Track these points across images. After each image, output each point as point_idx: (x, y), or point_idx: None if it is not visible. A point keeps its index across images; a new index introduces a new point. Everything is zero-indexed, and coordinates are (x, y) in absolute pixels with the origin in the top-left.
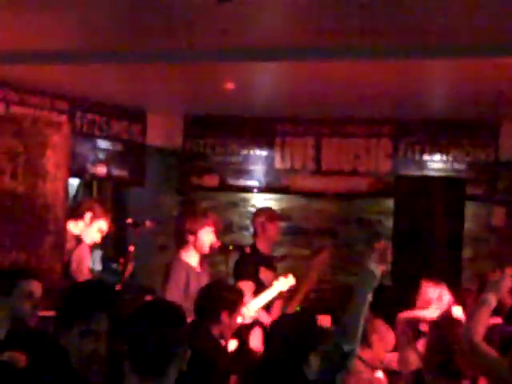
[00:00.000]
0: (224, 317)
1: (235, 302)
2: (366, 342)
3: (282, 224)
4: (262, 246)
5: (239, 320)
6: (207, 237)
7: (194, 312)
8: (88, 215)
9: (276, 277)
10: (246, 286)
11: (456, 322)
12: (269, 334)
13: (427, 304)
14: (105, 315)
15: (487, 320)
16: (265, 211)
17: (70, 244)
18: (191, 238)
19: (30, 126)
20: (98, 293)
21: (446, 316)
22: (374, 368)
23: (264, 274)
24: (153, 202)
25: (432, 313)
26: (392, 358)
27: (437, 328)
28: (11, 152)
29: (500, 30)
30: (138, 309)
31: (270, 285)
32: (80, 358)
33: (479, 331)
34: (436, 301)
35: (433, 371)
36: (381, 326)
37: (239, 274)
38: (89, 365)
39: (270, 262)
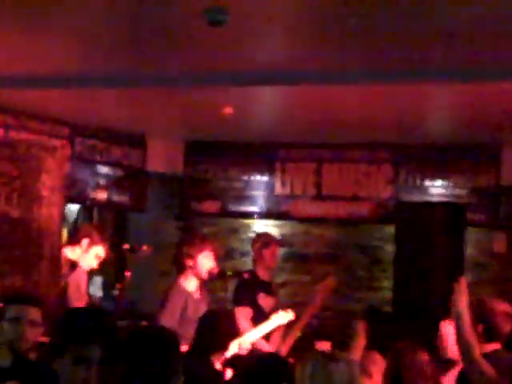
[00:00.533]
0: (226, 344)
1: (233, 328)
2: (366, 373)
3: (283, 250)
4: (261, 272)
5: (236, 350)
6: (206, 262)
7: (194, 340)
8: (85, 241)
9: (277, 306)
10: (244, 312)
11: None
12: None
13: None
14: (98, 343)
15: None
16: (261, 237)
17: (65, 269)
18: (189, 262)
19: (25, 150)
20: (92, 320)
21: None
22: None
23: (263, 300)
24: (153, 228)
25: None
26: None
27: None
28: (6, 176)
29: (501, 54)
30: (131, 335)
31: (270, 311)
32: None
33: (474, 345)
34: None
35: None
36: (377, 357)
37: (237, 300)
38: None
39: (269, 288)
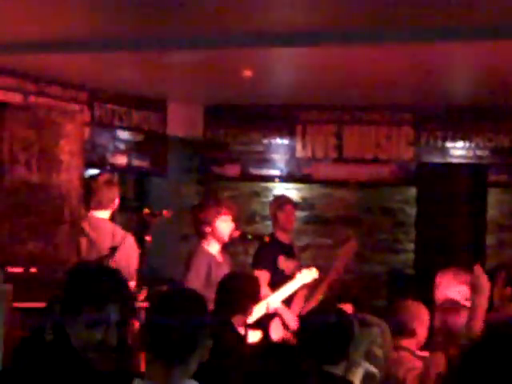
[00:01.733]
0: (248, 307)
1: (255, 291)
2: (407, 331)
3: (304, 213)
4: (280, 235)
5: (262, 311)
6: (224, 226)
7: (215, 303)
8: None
9: (299, 267)
10: (262, 276)
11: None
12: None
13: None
14: (117, 306)
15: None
16: (276, 199)
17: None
18: (207, 228)
19: (44, 115)
20: (113, 282)
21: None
22: (419, 356)
23: (284, 263)
24: (174, 192)
25: None
26: None
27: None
28: (25, 142)
29: None
30: (162, 297)
31: (291, 274)
32: (86, 345)
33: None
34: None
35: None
36: (420, 309)
37: (255, 263)
38: (95, 352)
39: (290, 251)
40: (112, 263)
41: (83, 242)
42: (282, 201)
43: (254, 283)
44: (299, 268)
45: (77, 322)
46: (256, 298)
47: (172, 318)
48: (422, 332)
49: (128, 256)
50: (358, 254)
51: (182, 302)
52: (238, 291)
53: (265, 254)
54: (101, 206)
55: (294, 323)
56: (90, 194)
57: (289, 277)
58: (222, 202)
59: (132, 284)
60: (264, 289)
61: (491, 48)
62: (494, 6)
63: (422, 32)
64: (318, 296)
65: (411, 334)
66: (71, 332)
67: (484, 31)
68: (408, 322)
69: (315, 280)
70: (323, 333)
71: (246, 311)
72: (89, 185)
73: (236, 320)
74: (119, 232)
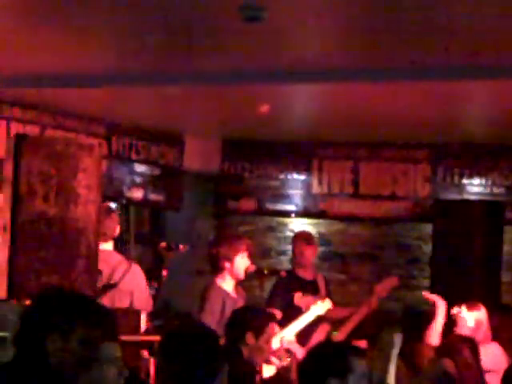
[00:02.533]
0: (249, 338)
1: (261, 323)
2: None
3: (320, 248)
4: (299, 271)
5: (276, 345)
6: (242, 262)
7: (225, 335)
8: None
9: (314, 301)
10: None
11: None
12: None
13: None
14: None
15: None
16: (298, 234)
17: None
18: (227, 264)
19: (62, 148)
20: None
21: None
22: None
23: (301, 299)
24: (189, 226)
25: None
26: None
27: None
28: (43, 175)
29: None
30: (173, 333)
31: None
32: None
33: None
34: (475, 329)
35: None
36: (430, 351)
37: (268, 301)
38: None
39: (311, 287)
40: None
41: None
42: (297, 237)
43: (260, 314)
44: (314, 300)
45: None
46: (261, 329)
47: (180, 360)
48: None
49: (137, 284)
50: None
51: (193, 339)
52: (242, 322)
53: (279, 290)
54: (104, 238)
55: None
56: None
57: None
58: (242, 237)
59: (144, 315)
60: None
61: (506, 86)
62: (507, 46)
63: (439, 69)
64: (347, 332)
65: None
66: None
67: (499, 70)
68: (417, 363)
69: (344, 316)
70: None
71: (251, 342)
72: None
73: (245, 352)
74: (124, 262)
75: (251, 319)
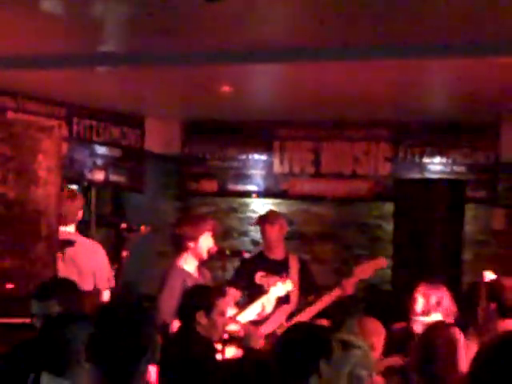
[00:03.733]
0: (200, 317)
1: (209, 300)
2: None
3: None
4: (267, 251)
5: (236, 326)
6: (206, 242)
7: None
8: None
9: (274, 281)
10: (231, 294)
11: (441, 324)
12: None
13: (425, 310)
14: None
15: None
16: (260, 215)
17: None
18: (191, 244)
19: (22, 130)
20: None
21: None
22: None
23: (263, 278)
24: (151, 208)
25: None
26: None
27: (424, 331)
28: (2, 157)
29: (500, 28)
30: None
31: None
32: None
33: None
34: (435, 306)
35: (416, 372)
36: (376, 324)
37: (229, 281)
38: None
39: (276, 267)
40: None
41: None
42: (261, 217)
43: (208, 292)
44: (274, 281)
45: None
46: (211, 307)
47: (111, 330)
48: (379, 346)
49: (98, 264)
50: (334, 269)
51: (120, 312)
52: (191, 301)
53: (242, 270)
54: (65, 221)
55: (253, 343)
56: None
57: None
58: (207, 218)
59: (106, 293)
60: (230, 308)
61: (466, 64)
62: (470, 24)
63: (398, 48)
64: (312, 312)
65: (372, 348)
66: None
67: (459, 48)
68: (366, 338)
69: (311, 297)
70: (293, 348)
71: (202, 321)
72: None
73: (201, 330)
74: (86, 243)
75: (199, 298)
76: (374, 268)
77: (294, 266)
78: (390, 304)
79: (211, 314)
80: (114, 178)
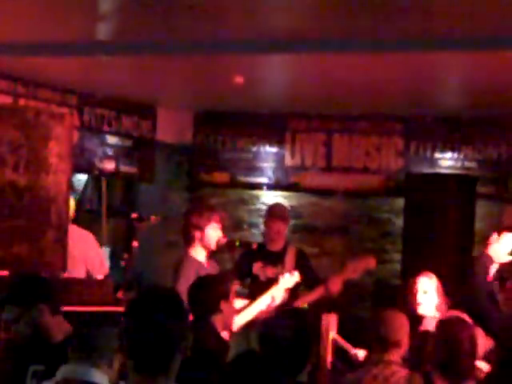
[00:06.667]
0: (223, 306)
1: (228, 289)
2: (393, 343)
3: (291, 221)
4: (267, 243)
5: (247, 318)
6: (214, 233)
7: (191, 307)
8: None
9: (281, 273)
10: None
11: (462, 322)
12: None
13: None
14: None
15: None
16: (268, 208)
17: None
18: (198, 234)
19: (33, 117)
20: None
21: (452, 316)
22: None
23: (260, 269)
24: (162, 199)
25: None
26: None
27: (442, 327)
28: (13, 144)
29: None
30: (137, 301)
31: (271, 280)
32: None
33: None
34: (428, 295)
35: (437, 370)
36: (403, 319)
37: (229, 270)
38: None
39: (273, 258)
40: None
41: None
42: (268, 210)
43: (225, 280)
44: (282, 273)
45: None
46: (230, 295)
47: (148, 323)
48: (405, 343)
49: (89, 251)
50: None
51: (157, 305)
52: (214, 291)
53: (241, 261)
54: None
55: None
56: None
57: (267, 283)
58: (215, 209)
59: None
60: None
61: (480, 58)
62: (485, 17)
63: (413, 42)
64: (301, 303)
65: (397, 345)
66: None
67: (473, 42)
68: (393, 334)
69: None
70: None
71: (226, 310)
72: None
73: (218, 321)
74: (77, 230)
75: (223, 286)
76: (363, 267)
77: (290, 257)
78: (399, 298)
79: (229, 301)
80: (124, 168)
